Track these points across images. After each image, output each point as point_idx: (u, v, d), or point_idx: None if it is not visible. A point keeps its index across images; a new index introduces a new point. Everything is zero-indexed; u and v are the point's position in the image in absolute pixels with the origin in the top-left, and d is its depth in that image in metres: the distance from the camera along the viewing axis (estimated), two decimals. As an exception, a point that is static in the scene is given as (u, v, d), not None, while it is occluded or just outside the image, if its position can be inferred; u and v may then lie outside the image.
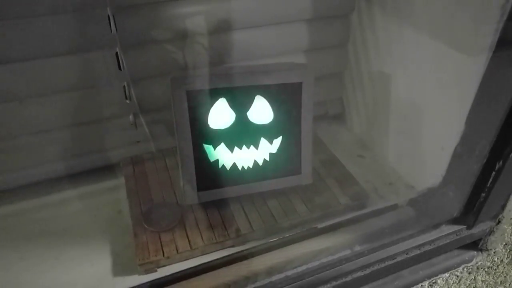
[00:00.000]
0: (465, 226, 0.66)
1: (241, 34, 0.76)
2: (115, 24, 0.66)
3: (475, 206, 0.64)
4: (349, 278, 0.58)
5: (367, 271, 0.59)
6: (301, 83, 0.65)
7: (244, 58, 0.78)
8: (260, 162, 0.69)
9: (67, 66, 0.67)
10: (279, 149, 0.69)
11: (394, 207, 0.70)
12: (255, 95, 0.65)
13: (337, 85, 0.94)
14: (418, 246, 0.63)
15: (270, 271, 0.61)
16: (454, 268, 0.69)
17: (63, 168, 0.75)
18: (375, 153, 0.87)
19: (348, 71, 0.91)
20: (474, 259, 0.70)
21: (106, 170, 0.78)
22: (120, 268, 0.62)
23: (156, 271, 0.62)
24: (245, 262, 0.62)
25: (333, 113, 0.97)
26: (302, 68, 0.66)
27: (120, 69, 0.70)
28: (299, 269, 0.59)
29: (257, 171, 0.69)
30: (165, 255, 0.61)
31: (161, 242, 0.63)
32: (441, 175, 0.69)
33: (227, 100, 0.64)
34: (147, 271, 0.62)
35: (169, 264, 0.62)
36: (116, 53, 0.68)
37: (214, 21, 0.72)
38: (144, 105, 0.76)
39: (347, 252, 0.62)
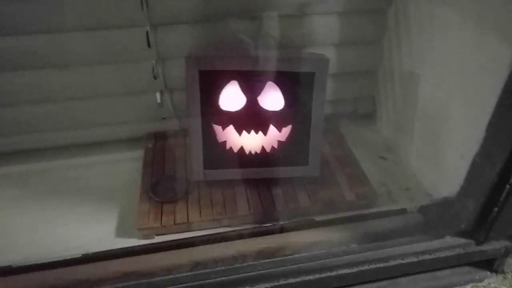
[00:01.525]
0: (474, 241, 0.61)
1: (271, 22, 0.76)
2: (146, 2, 0.70)
3: (486, 221, 0.59)
4: (333, 273, 0.57)
5: (354, 269, 0.58)
6: (314, 73, 0.64)
7: (272, 47, 0.79)
8: (268, 149, 0.70)
9: (102, 41, 0.73)
10: (287, 138, 0.69)
11: (402, 211, 0.67)
12: (267, 81, 0.65)
13: (370, 83, 0.91)
14: (416, 254, 0.59)
15: (258, 255, 0.61)
16: (461, 285, 0.64)
17: (92, 135, 0.82)
18: (398, 156, 0.83)
19: (382, 69, 0.87)
20: (486, 279, 0.65)
21: (132, 141, 0.84)
22: (123, 230, 0.67)
23: (153, 237, 0.66)
24: (236, 242, 0.63)
25: (363, 111, 0.94)
26: (318, 58, 0.66)
27: (149, 46, 0.75)
28: (288, 257, 0.59)
29: (264, 157, 0.70)
30: (163, 224, 0.65)
31: (162, 211, 0.67)
32: (458, 184, 0.64)
33: (239, 83, 0.65)
34: (145, 237, 0.65)
35: (165, 233, 0.65)
36: (147, 31, 0.73)
37: (243, 5, 0.74)
38: (171, 84, 0.80)
39: (341, 248, 0.60)
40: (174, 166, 0.76)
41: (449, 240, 0.61)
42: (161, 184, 0.71)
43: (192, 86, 0.64)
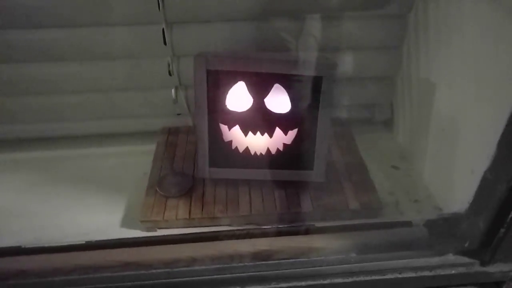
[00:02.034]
0: (479, 261, 0.58)
1: (282, 23, 0.76)
2: (162, 1, 0.72)
3: (492, 241, 0.56)
4: (327, 281, 0.57)
5: (349, 279, 0.57)
6: (321, 77, 0.64)
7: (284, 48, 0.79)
8: (273, 151, 0.70)
9: (120, 37, 0.75)
10: (293, 141, 0.69)
11: (407, 224, 0.65)
12: (274, 83, 0.65)
13: (388, 90, 0.88)
14: (414, 269, 0.58)
15: (254, 257, 0.62)
16: (464, 305, 0.62)
17: (109, 127, 0.85)
18: (412, 167, 0.81)
19: (401, 76, 0.85)
20: (492, 302, 0.62)
21: (147, 135, 0.86)
22: (128, 221, 0.69)
23: (156, 230, 0.68)
24: (234, 241, 0.64)
25: (380, 118, 0.92)
26: (326, 63, 0.65)
27: (165, 44, 0.76)
28: (282, 261, 0.59)
29: (269, 159, 0.70)
30: (165, 218, 0.66)
31: (165, 206, 0.68)
32: (467, 201, 0.62)
33: (246, 84, 0.65)
34: (148, 229, 0.67)
35: (166, 227, 0.67)
36: (163, 29, 0.75)
37: (259, 6, 0.74)
38: (185, 81, 0.81)
39: (337, 256, 0.60)
40: (183, 162, 0.78)
41: (451, 257, 0.58)
42: (167, 179, 0.73)
43: (199, 85, 0.65)
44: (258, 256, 0.62)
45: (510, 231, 0.53)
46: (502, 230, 0.54)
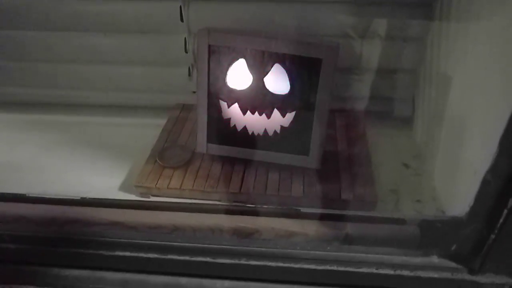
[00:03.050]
0: (466, 268, 0.53)
1: (303, 7, 0.75)
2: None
3: (483, 248, 0.51)
4: (297, 265, 0.55)
5: (320, 267, 0.55)
6: (320, 59, 0.62)
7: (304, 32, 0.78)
8: (270, 133, 0.69)
9: (140, 11, 0.79)
10: (291, 125, 0.68)
11: (400, 222, 0.61)
12: (274, 63, 0.64)
13: (409, 84, 0.83)
14: (393, 266, 0.54)
15: (234, 232, 0.62)
16: (449, 315, 0.57)
17: (126, 99, 0.90)
18: (423, 166, 0.76)
19: (423, 70, 0.80)
20: (482, 317, 0.56)
21: (161, 110, 0.89)
22: (126, 186, 0.72)
23: (149, 197, 0.70)
24: (217, 215, 0.64)
25: (401, 114, 0.87)
26: (327, 45, 0.62)
27: (182, 21, 0.79)
28: (257, 239, 0.59)
29: (266, 141, 0.70)
30: (157, 185, 0.69)
31: (161, 175, 0.71)
32: (468, 204, 0.57)
33: (246, 62, 0.65)
34: (142, 195, 0.70)
35: (158, 195, 0.69)
36: (180, 6, 0.77)
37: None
38: (201, 59, 0.83)
39: (312, 242, 0.58)
40: (189, 137, 0.80)
41: (435, 260, 0.54)
42: (168, 151, 0.75)
43: (201, 60, 0.66)
44: (238, 232, 0.62)
45: (500, 239, 0.48)
46: (492, 236, 0.49)
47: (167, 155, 0.74)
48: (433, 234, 0.58)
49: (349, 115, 0.84)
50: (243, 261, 0.57)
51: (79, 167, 0.77)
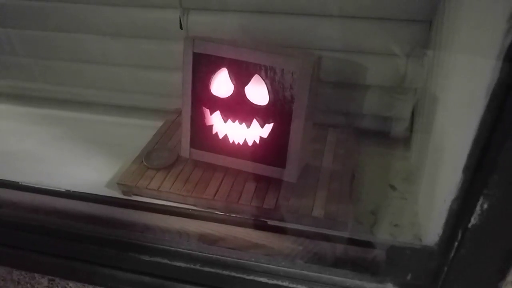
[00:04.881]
0: (422, 300, 0.50)
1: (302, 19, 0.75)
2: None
3: (438, 281, 0.48)
4: (250, 277, 0.55)
5: (271, 281, 0.54)
6: (294, 72, 0.61)
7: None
8: (250, 142, 0.69)
9: (141, 19, 0.83)
10: (269, 135, 0.67)
11: (368, 244, 0.59)
12: (254, 74, 0.65)
13: (409, 102, 0.80)
14: (345, 289, 0.52)
15: (200, 238, 0.63)
16: None
17: (130, 100, 0.94)
18: (410, 190, 0.72)
19: (423, 88, 0.76)
20: None
21: (161, 113, 0.92)
22: (113, 184, 0.75)
23: (131, 196, 0.73)
24: (185, 220, 0.65)
25: (399, 134, 0.83)
26: (301, 57, 0.62)
27: (181, 28, 0.81)
28: (215, 247, 0.59)
29: (245, 150, 0.70)
30: (137, 185, 0.71)
31: (143, 175, 0.73)
32: (438, 233, 0.54)
33: (228, 71, 0.66)
34: (124, 193, 0.73)
35: (138, 194, 0.71)
36: (179, 15, 0.80)
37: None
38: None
39: (269, 257, 0.57)
40: (179, 141, 0.81)
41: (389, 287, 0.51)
42: (155, 153, 0.78)
43: (186, 66, 0.68)
44: (204, 238, 0.63)
45: (454, 271, 0.45)
46: (446, 268, 0.46)
47: (153, 156, 0.77)
48: (400, 261, 0.56)
49: (342, 131, 0.82)
50: (197, 266, 0.57)
51: (74, 161, 0.82)
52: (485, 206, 0.41)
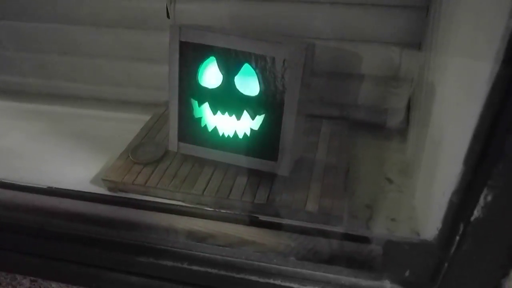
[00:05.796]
0: (421, 298, 0.48)
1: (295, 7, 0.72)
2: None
3: (438, 277, 0.45)
4: (240, 275, 0.52)
5: (262, 280, 0.51)
6: (286, 60, 0.58)
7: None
8: (240, 135, 0.66)
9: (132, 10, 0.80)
10: (260, 127, 0.65)
11: (364, 240, 0.57)
12: (244, 63, 0.62)
13: (405, 92, 0.78)
14: (340, 286, 0.50)
15: (188, 235, 0.60)
16: None
17: (117, 93, 0.91)
18: (408, 183, 0.70)
19: (420, 77, 0.74)
20: None
21: (150, 106, 0.89)
22: (98, 180, 0.72)
23: (117, 192, 0.69)
24: (174, 216, 0.62)
25: (395, 125, 0.81)
26: (294, 44, 0.59)
27: (168, 17, 0.78)
28: (205, 245, 0.56)
29: (236, 143, 0.67)
30: (123, 180, 0.68)
31: (129, 170, 0.70)
32: (437, 227, 0.51)
33: (217, 60, 0.63)
34: (109, 189, 0.69)
35: (124, 190, 0.68)
36: (166, 4, 0.77)
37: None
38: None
39: (262, 254, 0.54)
40: (166, 135, 0.78)
41: (387, 285, 0.49)
42: (142, 147, 0.75)
43: (172, 56, 0.65)
44: (193, 235, 0.60)
45: (455, 267, 0.43)
46: (445, 263, 0.43)
47: (140, 151, 0.74)
48: (397, 257, 0.53)
49: (337, 123, 0.80)
50: (185, 265, 0.54)
51: (58, 157, 0.78)
52: (489, 198, 0.38)
